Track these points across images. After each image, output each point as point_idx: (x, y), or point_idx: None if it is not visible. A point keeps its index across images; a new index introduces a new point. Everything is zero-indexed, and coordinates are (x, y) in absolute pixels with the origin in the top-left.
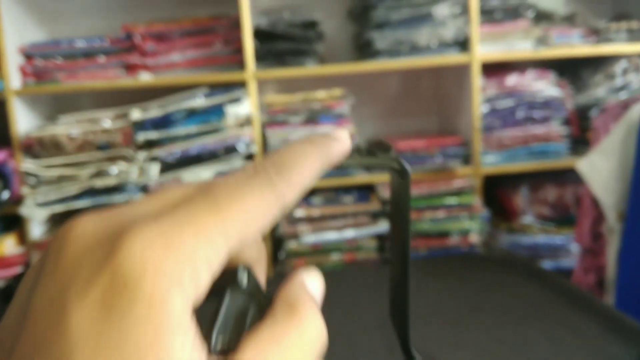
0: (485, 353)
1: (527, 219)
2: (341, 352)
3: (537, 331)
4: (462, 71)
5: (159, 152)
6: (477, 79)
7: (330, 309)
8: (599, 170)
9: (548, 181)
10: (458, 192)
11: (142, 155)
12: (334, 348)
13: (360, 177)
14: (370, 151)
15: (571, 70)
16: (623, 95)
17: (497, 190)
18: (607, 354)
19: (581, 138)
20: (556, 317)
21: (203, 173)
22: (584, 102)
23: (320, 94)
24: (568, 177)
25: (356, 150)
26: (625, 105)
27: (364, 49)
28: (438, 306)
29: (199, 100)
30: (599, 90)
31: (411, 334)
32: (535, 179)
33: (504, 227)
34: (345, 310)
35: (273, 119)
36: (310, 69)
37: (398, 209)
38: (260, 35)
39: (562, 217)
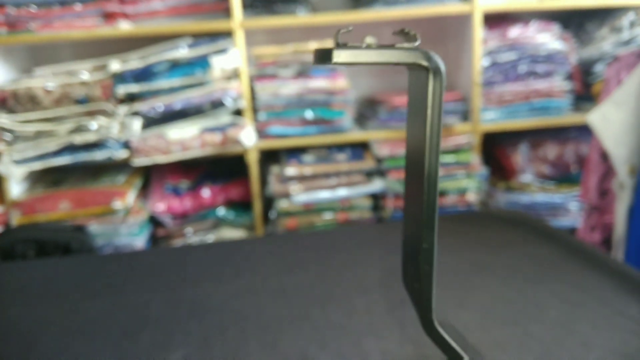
0: (493, 314)
1: (526, 177)
2: (336, 313)
3: (548, 291)
4: (462, 22)
5: (140, 106)
6: (478, 30)
7: (323, 268)
8: (611, 122)
9: (548, 139)
10: (456, 150)
11: (122, 109)
12: (328, 309)
13: (354, 135)
14: (384, 45)
15: (576, 22)
16: (629, 50)
17: (495, 148)
18: (624, 315)
19: (584, 94)
20: (568, 277)
21: (188, 129)
22: (588, 57)
23: (313, 46)
24: (569, 134)
25: (366, 46)
26: None
27: None
28: (440, 266)
29: (183, 51)
30: (604, 44)
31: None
32: (536, 137)
33: (501, 185)
34: (340, 270)
35: (262, 72)
36: (302, 17)
37: (421, 122)
38: None
39: (562, 176)
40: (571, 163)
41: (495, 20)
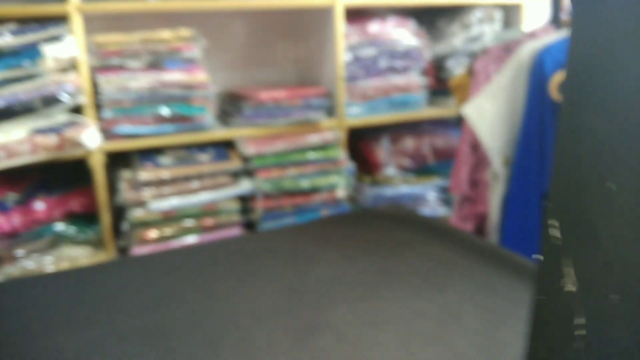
0: (412, 331)
1: (389, 170)
2: (233, 352)
3: (458, 297)
4: (324, 15)
5: None
6: (340, 24)
7: (206, 297)
8: (485, 114)
9: (407, 132)
10: (324, 146)
11: None
12: (222, 347)
13: (217, 133)
14: None
15: (427, 19)
16: (477, 46)
17: (359, 143)
18: None
19: (438, 89)
20: (474, 277)
21: (15, 131)
22: (440, 53)
23: (165, 34)
24: (424, 128)
25: None
26: (507, 48)
27: None
28: (343, 277)
29: (6, 39)
30: (454, 40)
31: (321, 314)
32: (395, 131)
33: (367, 180)
34: (228, 296)
35: (106, 62)
36: (151, 3)
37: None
38: None
39: (421, 167)
40: (427, 155)
41: (355, 15)
